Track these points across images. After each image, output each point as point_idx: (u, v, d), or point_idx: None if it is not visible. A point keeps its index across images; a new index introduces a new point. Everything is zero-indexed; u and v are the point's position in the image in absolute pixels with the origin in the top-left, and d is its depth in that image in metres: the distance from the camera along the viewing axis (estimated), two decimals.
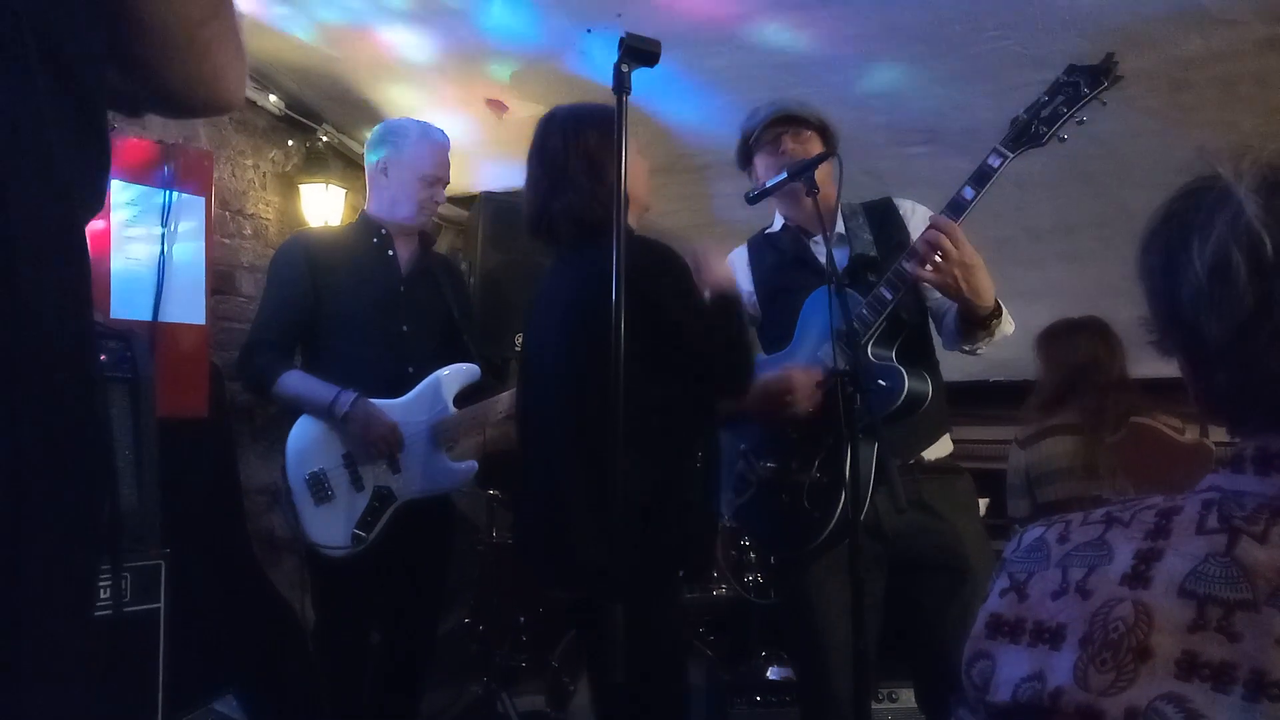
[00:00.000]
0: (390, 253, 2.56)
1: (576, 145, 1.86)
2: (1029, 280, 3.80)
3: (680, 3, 2.74)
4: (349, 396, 2.38)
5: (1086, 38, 2.61)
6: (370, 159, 2.59)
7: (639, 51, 1.46)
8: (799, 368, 2.04)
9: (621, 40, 1.45)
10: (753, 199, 2.10)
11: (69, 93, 0.76)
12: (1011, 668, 0.71)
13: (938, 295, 2.04)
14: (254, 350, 2.48)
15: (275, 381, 2.42)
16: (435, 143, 2.57)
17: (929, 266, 1.84)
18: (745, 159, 2.27)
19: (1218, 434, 3.14)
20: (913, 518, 1.94)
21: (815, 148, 2.12)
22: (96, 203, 0.84)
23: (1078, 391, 2.88)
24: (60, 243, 0.75)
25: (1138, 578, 0.68)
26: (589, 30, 2.89)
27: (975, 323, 1.95)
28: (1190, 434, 2.87)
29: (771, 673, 2.93)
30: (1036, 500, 2.93)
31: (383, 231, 2.56)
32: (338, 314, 2.48)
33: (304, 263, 2.49)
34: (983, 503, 2.85)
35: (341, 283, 2.49)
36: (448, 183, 2.62)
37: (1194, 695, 0.61)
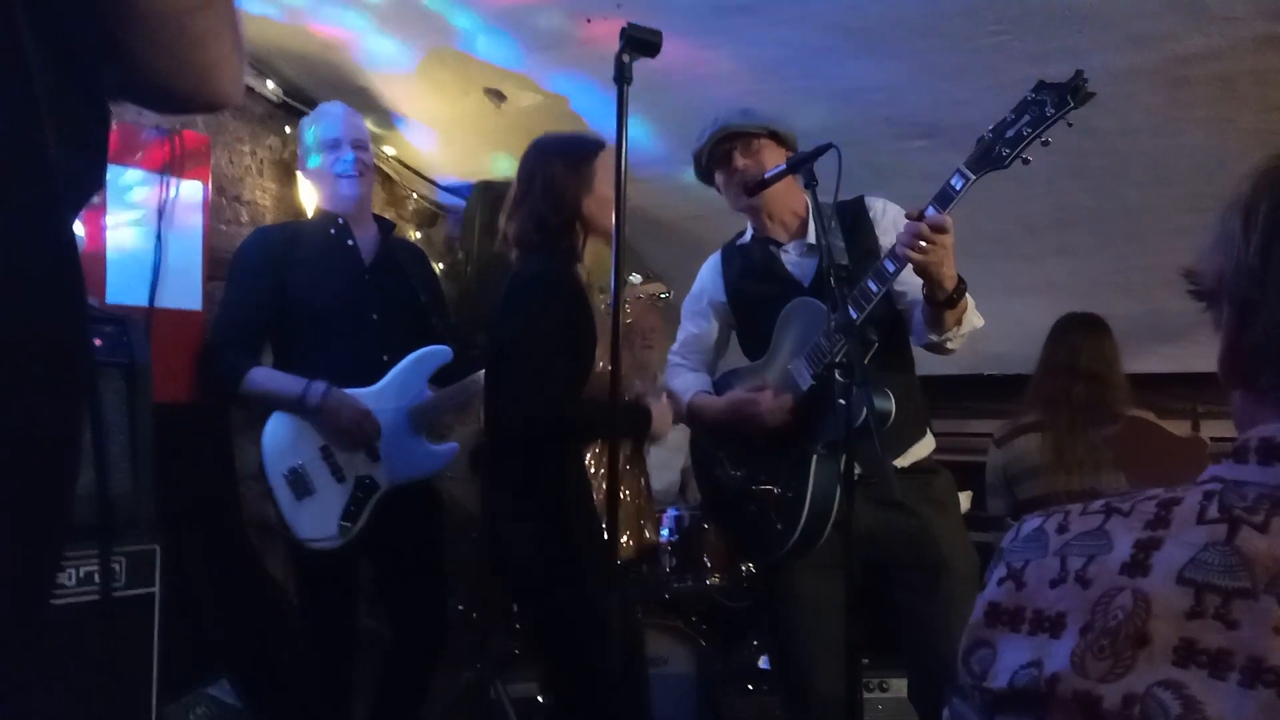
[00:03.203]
0: (350, 242, 2.55)
1: (543, 172, 2.10)
2: (1025, 275, 3.81)
3: None
4: (319, 387, 2.35)
5: (1085, 34, 2.61)
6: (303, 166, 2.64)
7: (640, 42, 1.46)
8: (765, 392, 2.07)
9: (623, 31, 1.46)
10: (751, 190, 2.11)
11: (68, 79, 0.74)
12: (1012, 655, 0.72)
13: (906, 294, 2.04)
14: (216, 351, 2.43)
15: (241, 380, 2.37)
16: (322, 112, 2.61)
17: (914, 252, 1.81)
18: (705, 176, 2.26)
19: (1210, 429, 3.16)
20: (886, 517, 1.96)
21: (769, 156, 2.12)
22: (90, 193, 0.83)
23: (1048, 388, 2.92)
24: (47, 241, 0.74)
25: (1137, 566, 0.68)
26: (589, 20, 2.88)
27: (942, 303, 1.92)
28: (1178, 430, 2.89)
29: (763, 662, 2.94)
30: (1016, 498, 2.96)
31: (339, 221, 2.55)
32: (305, 307, 2.46)
33: (262, 259, 2.48)
34: (966, 497, 2.87)
35: (305, 276, 2.47)
36: (361, 143, 2.58)
37: (1191, 682, 0.61)
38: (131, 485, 1.84)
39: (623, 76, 1.45)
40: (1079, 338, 2.93)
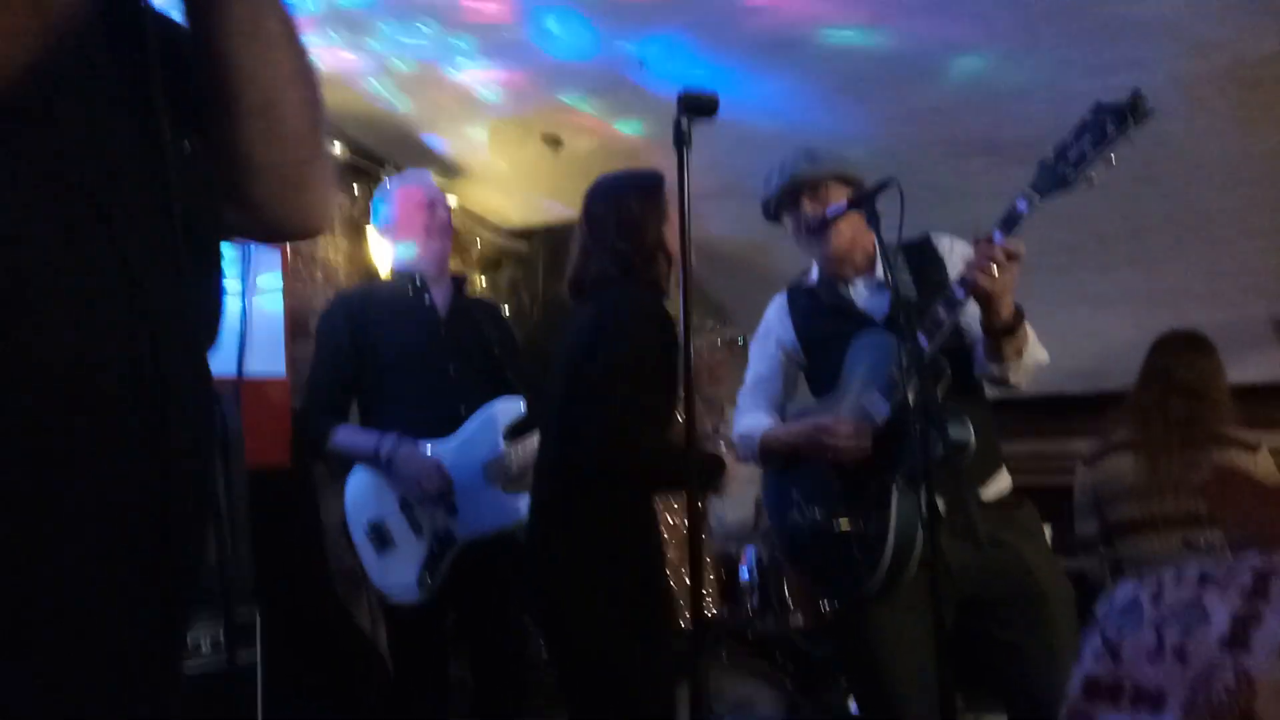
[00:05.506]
0: (427, 298, 2.64)
1: (617, 210, 2.06)
2: (1100, 286, 3.72)
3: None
4: (391, 440, 2.44)
5: (1147, 43, 2.55)
6: (377, 225, 2.76)
7: (697, 105, 1.47)
8: (845, 420, 2.04)
9: (680, 96, 1.47)
10: (814, 229, 2.10)
11: (194, 237, 0.83)
12: None
13: (973, 326, 2.01)
14: (307, 415, 2.58)
15: (328, 440, 2.50)
16: (405, 184, 2.71)
17: (984, 277, 1.79)
18: (775, 219, 2.26)
19: None
20: (976, 552, 1.91)
21: (837, 196, 2.11)
22: (218, 332, 0.92)
23: (1142, 403, 2.81)
24: (206, 387, 0.85)
25: (1237, 642, 0.67)
26: (642, 64, 2.92)
27: (999, 331, 1.88)
28: (1263, 446, 2.74)
29: (853, 705, 2.88)
30: (1107, 520, 2.85)
31: (416, 280, 2.64)
32: (385, 364, 2.55)
33: (344, 321, 2.58)
34: (1046, 528, 2.78)
35: (385, 334, 2.56)
36: (442, 202, 2.69)
37: None
38: (229, 554, 1.91)
39: (682, 141, 1.47)
40: (1175, 351, 2.81)
